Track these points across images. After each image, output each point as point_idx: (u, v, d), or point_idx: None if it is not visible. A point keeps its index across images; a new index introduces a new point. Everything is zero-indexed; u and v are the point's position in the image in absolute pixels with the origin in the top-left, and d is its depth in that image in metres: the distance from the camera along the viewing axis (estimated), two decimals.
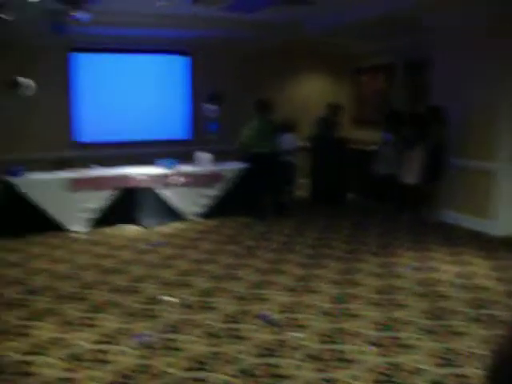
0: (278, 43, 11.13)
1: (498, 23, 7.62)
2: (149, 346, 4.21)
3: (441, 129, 8.23)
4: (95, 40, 10.24)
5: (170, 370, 3.84)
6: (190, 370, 3.86)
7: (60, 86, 10.40)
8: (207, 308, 5.05)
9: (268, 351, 4.14)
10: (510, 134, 7.78)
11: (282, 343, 4.27)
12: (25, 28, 8.88)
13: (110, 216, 8.38)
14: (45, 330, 4.54)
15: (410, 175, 8.52)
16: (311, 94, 12.08)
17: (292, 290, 5.56)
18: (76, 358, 4.03)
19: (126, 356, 4.06)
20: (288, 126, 9.50)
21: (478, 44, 8.00)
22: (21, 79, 8.18)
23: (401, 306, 5.08)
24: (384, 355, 4.06)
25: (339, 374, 3.78)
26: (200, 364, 3.94)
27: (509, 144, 7.79)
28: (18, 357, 4.05)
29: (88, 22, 7.56)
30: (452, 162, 8.32)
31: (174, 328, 4.58)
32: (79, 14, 7.59)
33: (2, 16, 7.31)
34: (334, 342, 4.29)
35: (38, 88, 9.15)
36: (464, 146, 8.24)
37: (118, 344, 4.26)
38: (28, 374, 3.80)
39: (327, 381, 3.70)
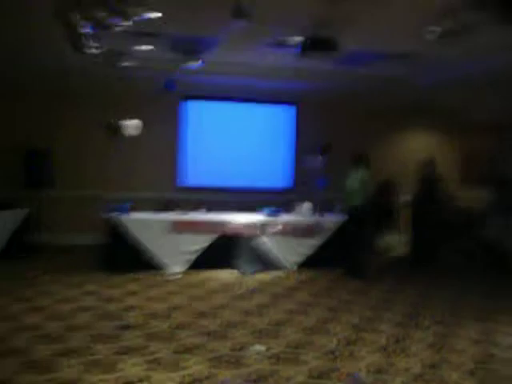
0: (385, 97, 11.04)
1: None
2: None
3: None
4: (205, 88, 10.62)
5: None
6: None
7: (171, 131, 10.86)
8: (295, 361, 4.93)
9: None
10: None
11: None
12: (140, 75, 9.39)
13: (208, 259, 8.50)
14: (132, 367, 4.59)
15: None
16: (419, 150, 11.81)
17: (385, 350, 5.34)
18: None
19: None
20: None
21: None
22: (121, 122, 8.65)
23: (498, 378, 4.71)
24: None
25: None
26: None
27: None
28: None
29: (199, 69, 7.86)
30: None
31: (259, 378, 4.49)
32: (193, 64, 7.94)
33: (119, 64, 7.77)
34: None
35: (150, 131, 9.65)
36: None
37: None
38: None
39: None
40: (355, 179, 8.77)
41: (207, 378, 4.43)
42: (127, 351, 4.97)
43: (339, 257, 8.90)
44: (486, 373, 4.81)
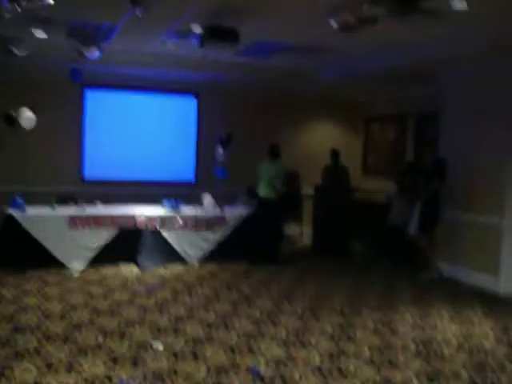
0: (289, 89, 11.15)
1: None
2: None
3: (439, 181, 8.18)
4: (105, 78, 10.37)
5: None
6: None
7: (73, 122, 10.48)
8: (194, 357, 4.88)
9: None
10: None
11: None
12: (38, 63, 8.98)
13: (109, 255, 8.26)
14: (27, 372, 4.38)
15: (412, 226, 8.42)
16: (322, 141, 12.00)
17: (285, 342, 5.38)
18: None
19: None
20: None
21: (490, 98, 7.93)
22: (17, 113, 8.24)
23: (396, 366, 4.87)
24: None
25: None
26: None
27: None
28: None
29: (98, 59, 7.62)
30: (457, 215, 8.24)
31: (159, 377, 4.40)
32: (91, 53, 7.66)
33: (14, 51, 7.39)
34: None
35: (51, 122, 9.25)
36: (469, 199, 8.13)
37: None
38: None
39: None
40: (270, 169, 8.87)
41: (102, 381, 4.29)
42: (19, 355, 4.73)
43: (243, 249, 8.91)
44: (383, 361, 4.96)
